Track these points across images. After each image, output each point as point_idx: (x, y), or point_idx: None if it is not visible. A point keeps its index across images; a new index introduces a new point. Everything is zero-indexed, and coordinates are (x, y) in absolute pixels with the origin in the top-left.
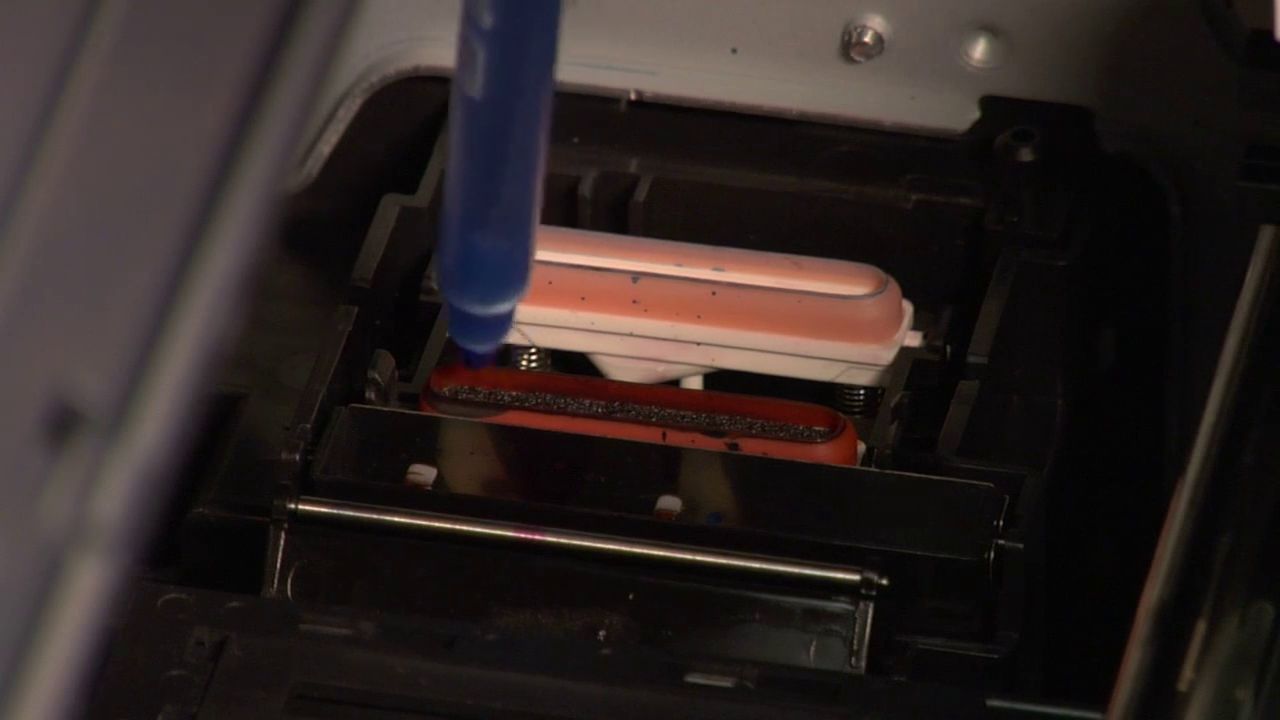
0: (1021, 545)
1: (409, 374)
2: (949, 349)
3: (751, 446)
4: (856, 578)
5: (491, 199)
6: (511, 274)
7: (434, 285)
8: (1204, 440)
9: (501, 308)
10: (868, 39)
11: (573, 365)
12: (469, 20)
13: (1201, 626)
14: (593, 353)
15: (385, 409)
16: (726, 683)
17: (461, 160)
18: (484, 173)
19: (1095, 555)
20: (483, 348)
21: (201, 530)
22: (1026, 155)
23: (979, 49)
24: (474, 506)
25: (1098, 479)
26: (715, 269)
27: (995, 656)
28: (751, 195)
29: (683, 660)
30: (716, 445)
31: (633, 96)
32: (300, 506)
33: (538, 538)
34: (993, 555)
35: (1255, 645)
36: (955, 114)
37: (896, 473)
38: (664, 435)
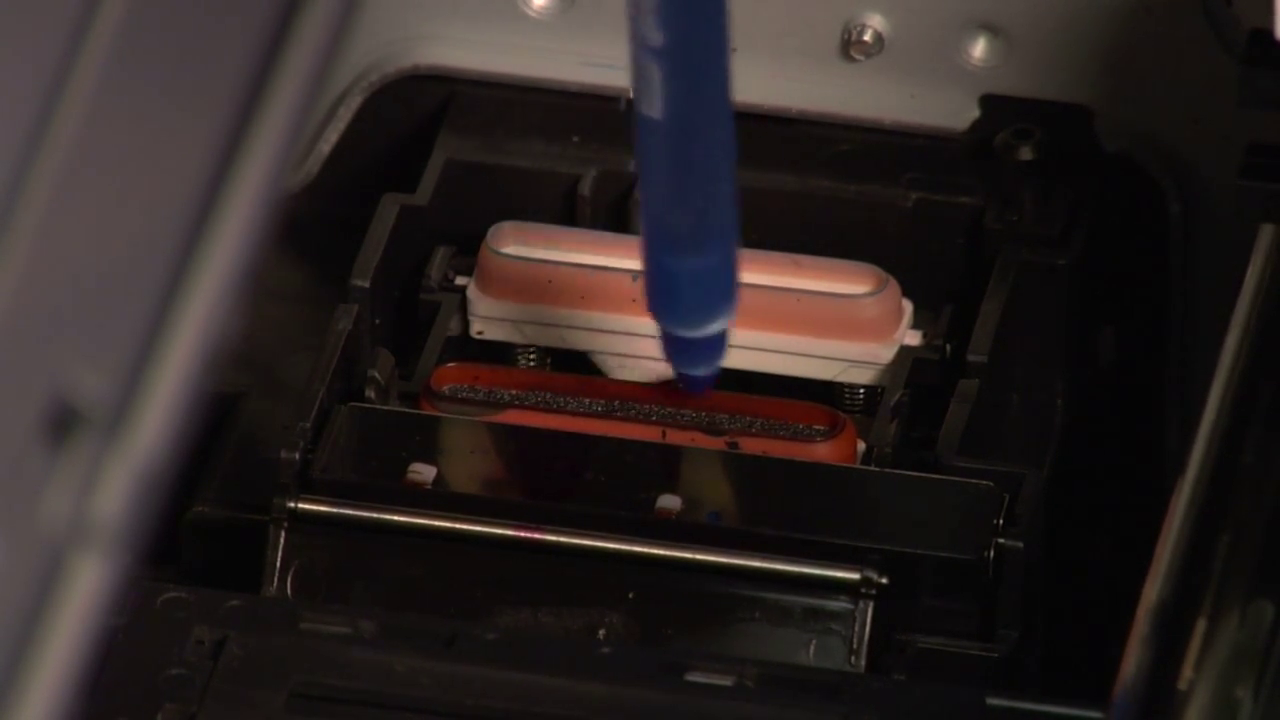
0: (1021, 544)
1: (409, 373)
2: (949, 348)
3: (751, 445)
4: (856, 576)
5: (682, 218)
6: (714, 293)
7: (433, 284)
8: (1203, 439)
9: (711, 329)
10: (867, 38)
11: (572, 364)
12: (639, 41)
13: (1201, 625)
14: (592, 351)
15: (385, 408)
16: (726, 681)
17: (648, 181)
18: (672, 192)
19: (1095, 554)
20: (701, 371)
21: (201, 529)
22: (1026, 154)
23: (979, 48)
24: (474, 505)
25: (1097, 478)
26: None
27: (995, 655)
28: (751, 194)
29: (682, 659)
30: (716, 444)
31: (632, 95)
32: (300, 505)
33: (537, 536)
34: (992, 554)
35: (1254, 644)
36: (955, 113)
37: (896, 471)
38: (664, 434)
